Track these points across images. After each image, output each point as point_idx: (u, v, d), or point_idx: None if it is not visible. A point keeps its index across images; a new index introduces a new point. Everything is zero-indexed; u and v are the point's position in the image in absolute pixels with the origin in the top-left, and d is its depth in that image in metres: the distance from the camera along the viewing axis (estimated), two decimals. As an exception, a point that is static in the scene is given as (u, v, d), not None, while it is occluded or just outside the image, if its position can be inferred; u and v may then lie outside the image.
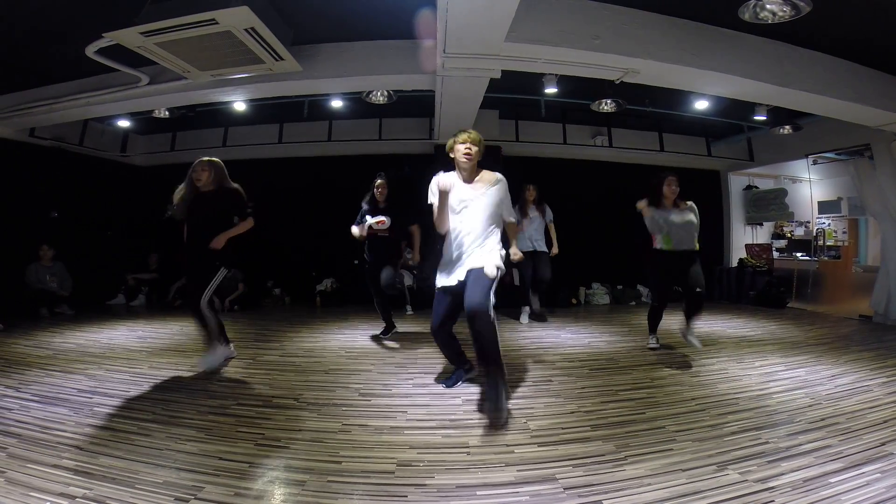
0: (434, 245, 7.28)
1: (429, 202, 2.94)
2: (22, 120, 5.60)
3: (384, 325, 4.89)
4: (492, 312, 2.66)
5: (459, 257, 2.92)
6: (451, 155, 2.96)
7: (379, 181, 4.50)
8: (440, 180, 2.81)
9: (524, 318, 5.81)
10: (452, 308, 3.03)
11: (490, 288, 2.71)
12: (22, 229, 6.12)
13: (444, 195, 2.85)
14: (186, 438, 2.38)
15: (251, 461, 2.16)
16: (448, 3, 2.98)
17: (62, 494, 1.83)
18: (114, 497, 1.83)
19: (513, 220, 3.13)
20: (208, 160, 3.62)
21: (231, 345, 3.88)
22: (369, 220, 4.33)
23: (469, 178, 2.96)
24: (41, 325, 5.26)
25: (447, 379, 3.32)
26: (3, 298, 5.52)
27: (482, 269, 2.75)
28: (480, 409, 2.74)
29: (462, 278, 2.84)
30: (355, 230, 4.39)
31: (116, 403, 2.85)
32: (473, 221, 2.89)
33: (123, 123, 6.90)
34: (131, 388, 3.16)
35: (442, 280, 3.01)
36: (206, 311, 3.52)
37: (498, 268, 2.78)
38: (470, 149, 2.88)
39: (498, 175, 2.98)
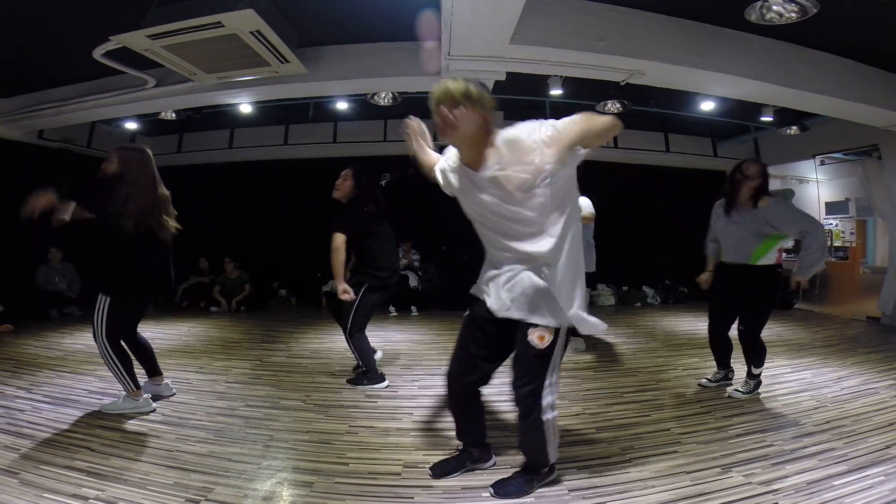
0: (438, 247, 7.29)
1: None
2: (30, 122, 5.65)
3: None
4: (546, 412, 1.81)
5: (496, 276, 1.86)
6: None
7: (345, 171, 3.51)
8: (443, 168, 1.98)
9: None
10: (484, 350, 1.94)
11: (545, 370, 1.79)
12: (31, 230, 6.18)
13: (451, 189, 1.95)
14: (196, 440, 2.42)
15: (260, 462, 2.19)
16: (452, 5, 2.99)
17: (75, 496, 1.86)
18: (125, 498, 1.86)
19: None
20: (118, 147, 2.84)
21: (142, 398, 2.82)
22: None
23: (470, 160, 1.80)
24: (50, 326, 5.31)
25: (442, 463, 2.14)
26: (13, 299, 5.58)
27: (527, 333, 1.77)
28: (496, 490, 1.96)
29: (506, 313, 1.80)
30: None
31: (126, 404, 2.88)
32: (493, 226, 1.83)
33: (131, 125, 6.95)
34: (140, 389, 3.19)
35: (475, 289, 1.99)
36: (103, 348, 2.70)
37: (555, 331, 1.76)
38: (447, 117, 1.71)
39: (507, 135, 1.74)
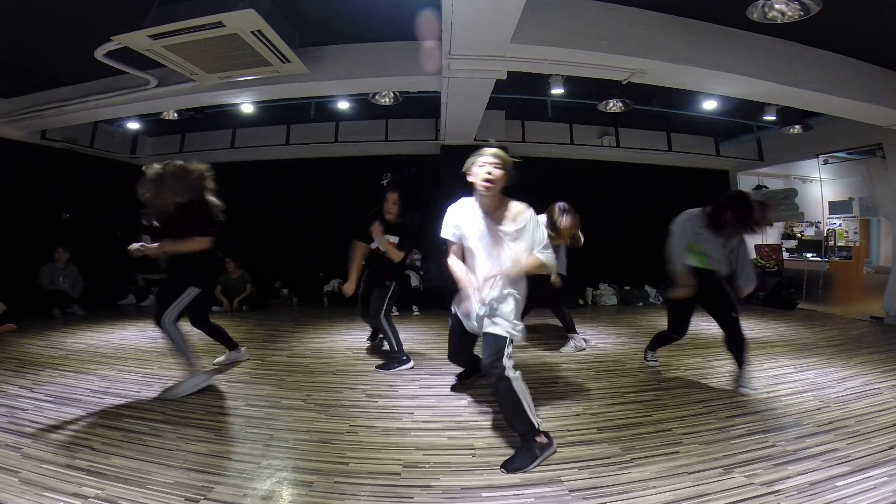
0: (440, 246, 7.29)
1: (442, 235, 2.56)
2: (33, 122, 5.68)
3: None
4: (509, 372, 2.25)
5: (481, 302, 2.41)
6: (469, 178, 2.40)
7: (391, 195, 3.86)
8: (455, 213, 2.50)
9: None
10: (468, 338, 2.71)
11: (504, 350, 2.30)
12: (34, 230, 6.22)
13: (461, 230, 2.50)
14: (196, 439, 2.42)
15: (260, 462, 2.19)
16: (453, 4, 2.98)
17: (75, 494, 1.87)
18: (125, 497, 1.86)
19: (543, 258, 2.37)
20: (166, 166, 3.13)
21: (202, 373, 3.28)
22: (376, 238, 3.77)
23: (491, 209, 2.42)
24: (53, 326, 5.33)
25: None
26: (17, 299, 5.61)
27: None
28: (505, 467, 2.18)
29: (478, 329, 2.47)
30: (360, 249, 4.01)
31: (128, 404, 2.90)
32: (495, 264, 2.41)
33: (133, 125, 6.97)
34: (142, 389, 3.20)
35: (456, 307, 2.63)
36: (173, 332, 3.13)
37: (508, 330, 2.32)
38: (492, 172, 2.32)
39: (527, 212, 2.39)
